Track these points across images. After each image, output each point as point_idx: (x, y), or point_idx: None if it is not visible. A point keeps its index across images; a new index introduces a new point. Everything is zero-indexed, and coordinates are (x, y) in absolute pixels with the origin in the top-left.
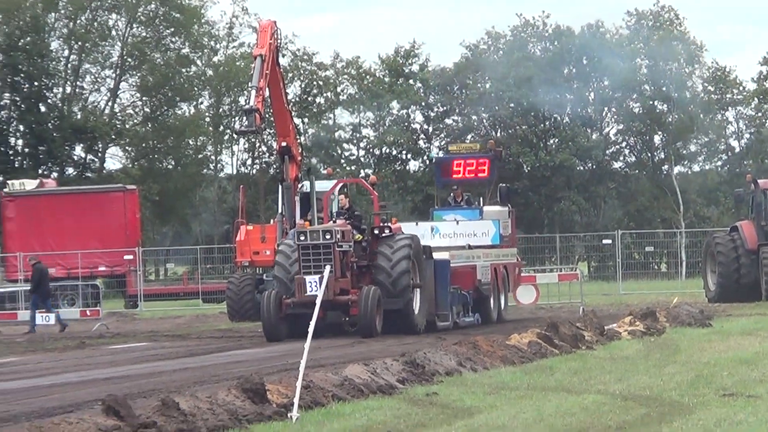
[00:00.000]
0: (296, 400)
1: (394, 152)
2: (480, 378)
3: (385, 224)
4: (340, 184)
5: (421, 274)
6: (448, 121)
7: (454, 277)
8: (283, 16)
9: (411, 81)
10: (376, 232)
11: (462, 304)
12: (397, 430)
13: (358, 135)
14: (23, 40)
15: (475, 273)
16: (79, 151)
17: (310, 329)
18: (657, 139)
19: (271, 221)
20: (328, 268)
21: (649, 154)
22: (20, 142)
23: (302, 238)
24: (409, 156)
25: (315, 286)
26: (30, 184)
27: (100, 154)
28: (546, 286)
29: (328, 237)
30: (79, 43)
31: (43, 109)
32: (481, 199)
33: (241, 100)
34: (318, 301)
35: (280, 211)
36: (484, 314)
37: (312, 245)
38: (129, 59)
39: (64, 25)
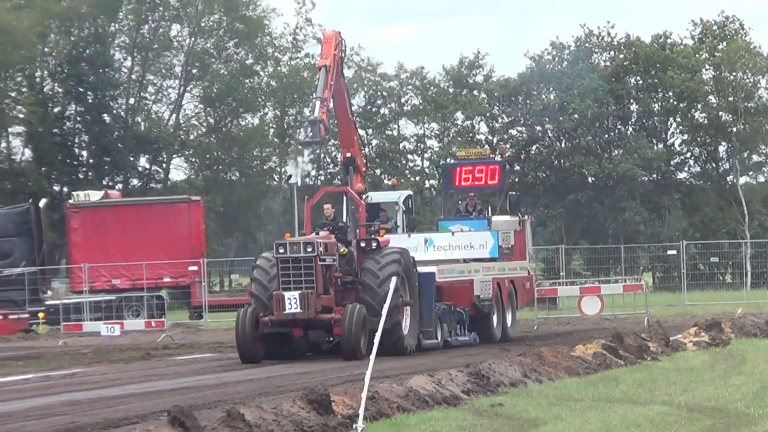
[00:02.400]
0: (361, 411)
1: None
2: (545, 389)
3: (372, 237)
4: (324, 193)
5: (412, 291)
6: (513, 131)
7: (447, 292)
8: (348, 27)
9: (475, 92)
10: (362, 245)
11: (456, 321)
12: None
13: (422, 146)
14: (87, 51)
15: (472, 288)
16: (143, 162)
17: (377, 340)
18: (722, 149)
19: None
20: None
21: (714, 165)
22: (85, 153)
23: (281, 251)
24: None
25: (295, 303)
26: (95, 196)
27: (164, 165)
28: (611, 296)
29: (309, 250)
30: (143, 53)
31: (107, 119)
32: (490, 208)
33: (306, 111)
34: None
35: (344, 220)
36: (484, 332)
37: (292, 258)
38: (192, 70)
39: (127, 35)
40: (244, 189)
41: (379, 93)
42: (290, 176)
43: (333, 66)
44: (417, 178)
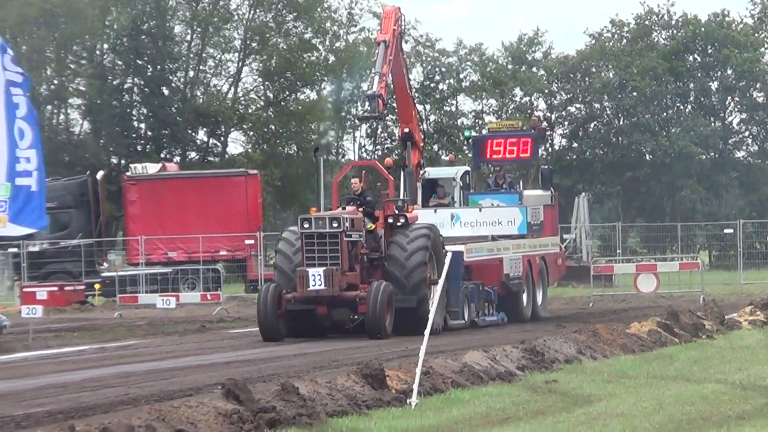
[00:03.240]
0: (416, 386)
1: None
2: (599, 366)
3: (401, 212)
4: (351, 167)
5: (440, 269)
6: (571, 109)
7: (475, 271)
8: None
9: (534, 68)
10: (390, 221)
11: (484, 301)
12: (516, 417)
13: (480, 122)
14: (147, 24)
15: (502, 267)
16: (201, 135)
17: (432, 314)
18: None
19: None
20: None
21: None
22: (143, 125)
23: (306, 225)
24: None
25: (319, 280)
26: (152, 168)
27: (222, 139)
28: (667, 274)
29: (335, 225)
30: (202, 26)
31: (166, 93)
32: (521, 182)
33: (364, 86)
34: None
35: (401, 197)
36: (514, 312)
37: (317, 234)
38: (251, 44)
39: (187, 8)
40: (301, 163)
41: (437, 69)
42: (317, 148)
43: (392, 41)
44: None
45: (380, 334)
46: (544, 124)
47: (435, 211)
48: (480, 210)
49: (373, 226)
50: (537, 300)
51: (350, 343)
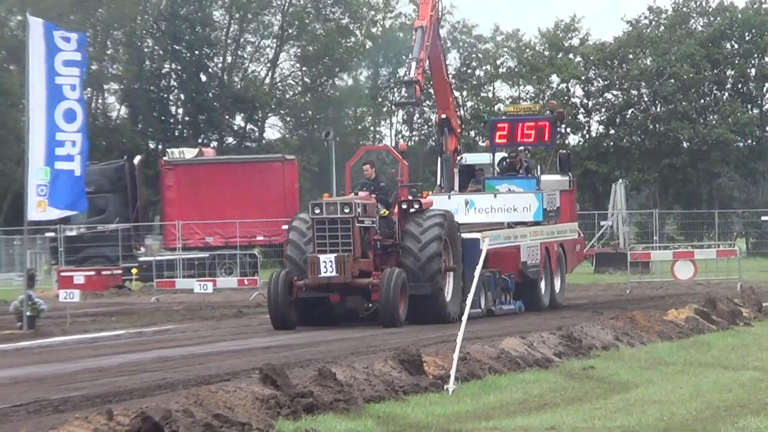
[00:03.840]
0: (453, 372)
1: None
2: (637, 353)
3: (415, 198)
4: (364, 152)
5: (455, 255)
6: (608, 95)
7: (492, 259)
8: None
9: (571, 55)
10: (404, 207)
11: (501, 289)
12: (553, 403)
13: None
14: (185, 9)
15: (519, 254)
16: (238, 120)
17: (468, 300)
18: None
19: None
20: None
21: None
22: (180, 110)
23: (317, 211)
24: (568, 130)
25: (330, 266)
26: (189, 153)
27: (259, 124)
28: (704, 261)
29: (346, 211)
30: (241, 12)
31: (203, 78)
32: (539, 167)
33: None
34: None
35: (438, 183)
36: (532, 300)
37: (328, 220)
38: (289, 29)
39: None
40: (338, 149)
41: (474, 55)
42: (328, 132)
43: (429, 27)
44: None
45: (394, 322)
46: (561, 108)
47: (449, 197)
48: (495, 196)
49: (387, 212)
50: (555, 288)
51: (364, 332)
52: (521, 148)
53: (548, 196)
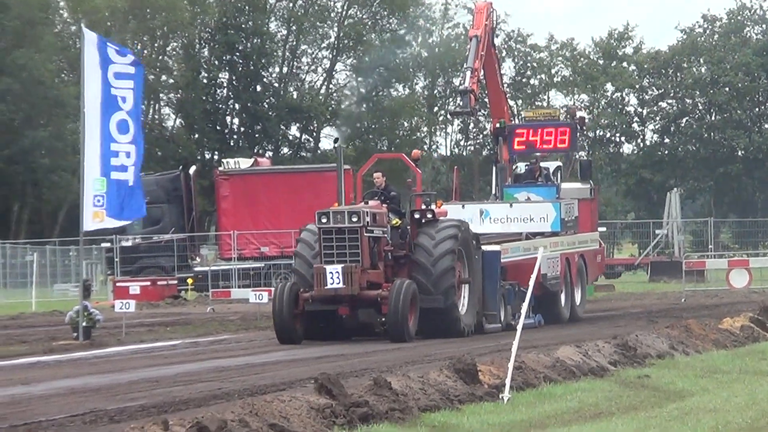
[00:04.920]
0: (508, 381)
1: (608, 135)
2: (692, 361)
3: (428, 208)
4: (376, 159)
5: (470, 266)
6: (663, 104)
7: (511, 271)
8: None
9: (625, 64)
10: (416, 216)
11: (521, 302)
12: (608, 412)
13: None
14: (241, 19)
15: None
16: (294, 130)
17: (524, 309)
18: None
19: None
20: None
21: None
22: (236, 120)
23: (324, 220)
24: (622, 139)
25: (337, 278)
26: (245, 163)
27: (314, 134)
28: (759, 270)
29: (354, 220)
30: (298, 24)
31: (259, 88)
32: (559, 174)
33: (456, 82)
34: None
35: (493, 192)
36: (552, 314)
37: (336, 229)
38: (345, 40)
39: (284, 6)
40: (393, 159)
41: (529, 64)
42: (337, 139)
43: (484, 36)
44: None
45: (403, 336)
46: (583, 113)
47: (463, 206)
48: (511, 206)
49: (399, 222)
50: (576, 300)
51: (365, 347)
52: (538, 154)
53: (566, 205)
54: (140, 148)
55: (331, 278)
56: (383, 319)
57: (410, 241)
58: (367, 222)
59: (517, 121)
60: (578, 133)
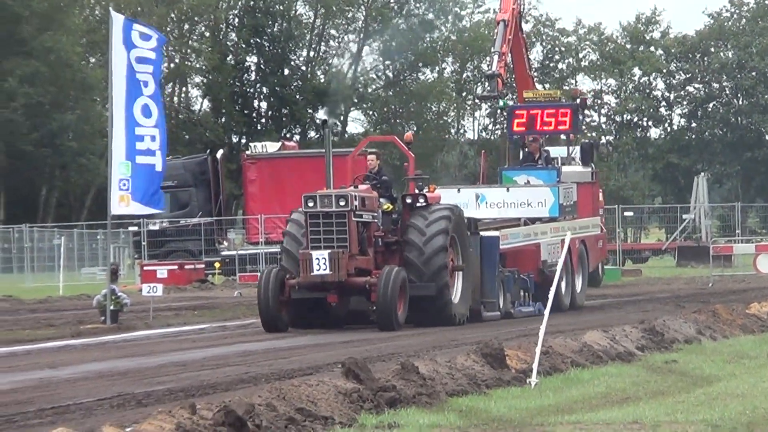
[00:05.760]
0: (535, 366)
1: (635, 119)
2: (719, 346)
3: (420, 192)
4: (367, 142)
5: (464, 253)
6: (690, 88)
7: (510, 258)
8: None
9: (652, 48)
10: (408, 201)
11: (521, 290)
12: (635, 397)
13: (599, 101)
14: (268, 2)
15: (539, 252)
16: (321, 114)
17: (551, 294)
18: None
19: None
20: None
21: None
22: (263, 104)
23: (311, 204)
24: (650, 123)
25: (324, 263)
26: (272, 147)
27: (342, 118)
28: None
29: (342, 204)
30: (325, 7)
31: (286, 72)
32: (560, 157)
33: (484, 66)
34: None
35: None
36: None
37: (322, 213)
38: (373, 24)
39: None
40: (420, 143)
41: (556, 48)
42: (325, 121)
43: (511, 20)
44: (594, 134)
45: (392, 325)
46: (585, 95)
47: (458, 190)
48: (507, 190)
49: (391, 207)
50: (576, 288)
51: (353, 335)
52: (533, 140)
53: (564, 189)
54: (163, 132)
55: (318, 264)
56: (374, 308)
57: (402, 226)
58: (356, 206)
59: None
60: (580, 115)
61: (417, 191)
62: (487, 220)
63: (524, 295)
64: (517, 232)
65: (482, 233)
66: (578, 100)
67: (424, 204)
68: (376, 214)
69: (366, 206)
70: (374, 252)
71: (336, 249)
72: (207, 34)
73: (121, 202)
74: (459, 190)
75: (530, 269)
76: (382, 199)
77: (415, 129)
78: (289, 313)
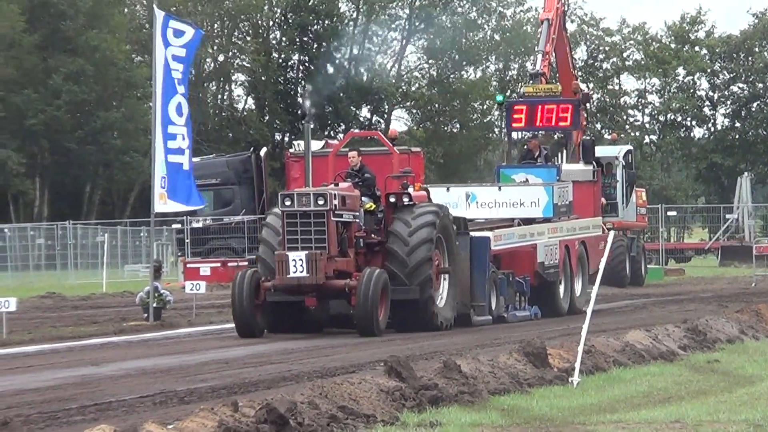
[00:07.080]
0: (577, 365)
1: (679, 119)
2: (762, 346)
3: (404, 191)
4: (350, 138)
5: (451, 255)
6: (734, 88)
7: (505, 259)
8: None
9: (697, 48)
10: (392, 200)
11: (516, 293)
12: (678, 396)
13: (643, 101)
14: (312, 1)
15: (535, 254)
16: (364, 112)
17: (594, 295)
18: None
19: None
20: None
21: None
22: (307, 102)
23: (288, 203)
24: (693, 123)
25: (301, 265)
26: (315, 145)
27: (385, 116)
28: None
29: (320, 203)
30: (369, 4)
31: (330, 70)
32: (560, 155)
33: (528, 65)
34: None
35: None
36: (549, 305)
37: (300, 213)
38: (417, 22)
39: None
40: (464, 141)
41: (601, 47)
42: (305, 114)
43: (555, 19)
44: (637, 134)
45: (372, 329)
46: (585, 90)
47: (448, 189)
48: (500, 189)
49: (373, 206)
50: (575, 291)
51: (335, 340)
52: (531, 137)
53: (559, 189)
54: (190, 131)
55: (294, 266)
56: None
57: (385, 227)
58: (335, 205)
59: (588, 105)
60: (581, 111)
61: (401, 189)
62: (480, 221)
63: (520, 299)
64: (512, 233)
65: (472, 233)
66: (580, 95)
67: (408, 203)
68: (357, 213)
69: (347, 205)
70: (355, 253)
71: (314, 250)
72: (251, 32)
73: (160, 200)
74: (448, 189)
75: (526, 271)
76: (364, 198)
77: (458, 127)
78: (265, 317)
